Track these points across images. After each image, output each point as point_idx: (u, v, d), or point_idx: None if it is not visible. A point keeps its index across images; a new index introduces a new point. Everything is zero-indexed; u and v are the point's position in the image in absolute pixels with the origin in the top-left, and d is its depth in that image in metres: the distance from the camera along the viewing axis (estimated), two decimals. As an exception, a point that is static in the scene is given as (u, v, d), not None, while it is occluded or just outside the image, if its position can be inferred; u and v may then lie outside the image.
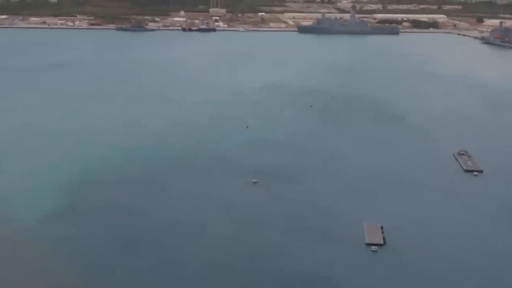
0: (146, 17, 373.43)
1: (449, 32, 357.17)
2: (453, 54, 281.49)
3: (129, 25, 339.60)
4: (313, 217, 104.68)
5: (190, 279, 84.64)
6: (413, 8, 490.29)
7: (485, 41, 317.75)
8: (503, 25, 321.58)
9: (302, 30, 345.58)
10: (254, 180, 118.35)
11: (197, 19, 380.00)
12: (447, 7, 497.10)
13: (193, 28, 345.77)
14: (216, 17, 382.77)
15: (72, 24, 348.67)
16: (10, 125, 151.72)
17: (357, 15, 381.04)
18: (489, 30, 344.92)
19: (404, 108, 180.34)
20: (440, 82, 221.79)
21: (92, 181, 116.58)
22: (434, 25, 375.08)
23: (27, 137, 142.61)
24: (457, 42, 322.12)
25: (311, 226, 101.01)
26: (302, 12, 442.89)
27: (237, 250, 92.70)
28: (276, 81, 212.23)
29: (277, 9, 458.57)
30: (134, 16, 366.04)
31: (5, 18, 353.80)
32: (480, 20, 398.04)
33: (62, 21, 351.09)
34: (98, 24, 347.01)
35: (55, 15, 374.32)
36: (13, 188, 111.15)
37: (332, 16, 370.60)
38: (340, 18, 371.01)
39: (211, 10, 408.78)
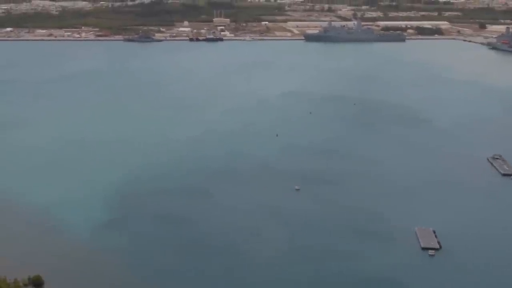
0: (151, 27, 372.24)
1: (454, 38, 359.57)
2: (463, 60, 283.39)
3: (136, 36, 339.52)
4: (363, 222, 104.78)
5: (260, 282, 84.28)
6: (413, 15, 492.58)
7: (492, 46, 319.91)
8: (510, 30, 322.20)
9: (309, 38, 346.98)
10: (296, 187, 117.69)
11: (202, 29, 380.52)
12: (446, 13, 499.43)
13: (200, 38, 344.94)
14: (221, 27, 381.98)
15: (78, 35, 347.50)
16: (47, 136, 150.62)
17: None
18: (494, 36, 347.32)
19: (428, 113, 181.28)
20: (456, 87, 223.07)
21: (140, 190, 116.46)
22: (438, 31, 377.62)
23: (66, 148, 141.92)
24: (464, 48, 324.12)
25: (363, 231, 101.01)
26: (304, 20, 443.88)
27: (296, 254, 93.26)
28: (295, 89, 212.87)
29: (279, 18, 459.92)
30: (141, 27, 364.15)
31: (11, 31, 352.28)
32: (482, 26, 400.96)
33: (69, 33, 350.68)
34: (105, 36, 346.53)
35: (60, 27, 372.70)
36: (62, 199, 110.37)
37: (338, 24, 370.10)
38: (344, 26, 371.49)
39: (215, 20, 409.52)
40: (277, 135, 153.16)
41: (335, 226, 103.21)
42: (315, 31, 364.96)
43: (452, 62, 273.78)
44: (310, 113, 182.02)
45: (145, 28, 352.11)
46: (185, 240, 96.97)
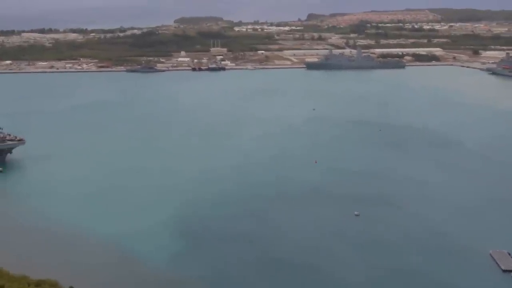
0: (150, 58, 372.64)
1: (452, 64, 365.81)
2: (467, 85, 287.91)
3: (139, 66, 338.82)
4: (434, 244, 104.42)
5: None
6: (404, 42, 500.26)
7: (492, 72, 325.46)
8: (510, 56, 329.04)
9: (310, 66, 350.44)
10: (356, 212, 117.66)
11: (200, 59, 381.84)
12: (435, 40, 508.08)
13: (202, 67, 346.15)
14: (220, 56, 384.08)
15: (79, 67, 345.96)
16: (93, 166, 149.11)
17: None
18: (491, 61, 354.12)
19: (454, 136, 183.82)
20: (470, 111, 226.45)
21: (202, 217, 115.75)
22: (435, 58, 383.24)
23: (116, 177, 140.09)
24: (464, 74, 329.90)
25: (436, 253, 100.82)
26: (299, 49, 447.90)
27: (375, 272, 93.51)
28: (315, 115, 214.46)
29: (273, 47, 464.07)
30: (140, 57, 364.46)
31: (11, 63, 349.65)
32: (476, 53, 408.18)
33: (70, 65, 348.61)
34: (107, 67, 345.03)
35: (59, 59, 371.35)
36: (129, 229, 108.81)
37: (337, 52, 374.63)
38: (342, 53, 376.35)
39: (212, 49, 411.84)
40: (316, 162, 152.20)
41: (406, 248, 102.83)
42: (314, 59, 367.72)
43: (458, 87, 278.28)
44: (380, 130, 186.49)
45: (147, 59, 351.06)
46: (262, 261, 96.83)
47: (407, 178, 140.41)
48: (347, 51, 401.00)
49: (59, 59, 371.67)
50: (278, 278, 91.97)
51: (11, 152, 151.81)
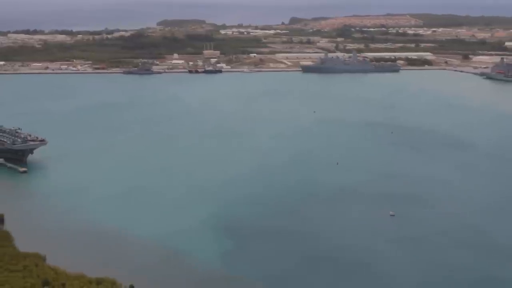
0: (143, 60, 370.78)
1: (444, 69, 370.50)
2: (465, 89, 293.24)
3: (135, 68, 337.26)
4: (471, 240, 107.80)
5: None
6: (391, 46, 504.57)
7: (487, 76, 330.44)
8: (504, 61, 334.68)
9: (306, 69, 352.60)
10: (391, 213, 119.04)
11: (194, 61, 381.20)
12: (422, 45, 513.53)
13: (199, 70, 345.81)
14: (214, 59, 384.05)
15: (74, 68, 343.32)
16: (121, 167, 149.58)
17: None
18: (483, 66, 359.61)
19: (464, 137, 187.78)
20: (474, 114, 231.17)
21: (240, 216, 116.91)
22: (428, 62, 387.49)
23: (138, 175, 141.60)
24: (459, 78, 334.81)
25: (476, 248, 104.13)
26: (289, 52, 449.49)
27: (422, 269, 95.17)
28: (325, 116, 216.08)
29: (264, 50, 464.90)
30: (132, 59, 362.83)
31: (4, 64, 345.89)
32: (466, 57, 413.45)
33: (65, 66, 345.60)
34: (103, 68, 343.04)
35: (51, 60, 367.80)
36: (172, 229, 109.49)
37: (333, 56, 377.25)
38: (338, 57, 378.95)
39: (205, 52, 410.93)
40: (337, 163, 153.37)
41: (445, 244, 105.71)
42: (309, 63, 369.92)
43: (457, 91, 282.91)
44: (392, 132, 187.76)
45: (143, 61, 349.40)
46: (306, 257, 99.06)
47: (430, 178, 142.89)
48: (340, 55, 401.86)
49: (52, 61, 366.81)
50: (324, 272, 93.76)
51: (32, 153, 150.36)
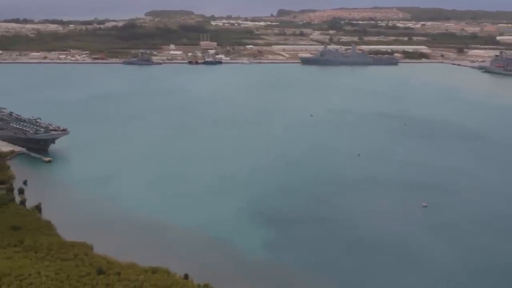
0: (141, 51, 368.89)
1: (442, 62, 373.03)
2: (466, 82, 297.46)
3: (135, 59, 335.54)
4: (505, 227, 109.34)
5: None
6: (384, 39, 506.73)
7: (485, 70, 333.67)
8: (503, 55, 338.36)
9: (305, 61, 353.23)
10: (424, 204, 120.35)
11: (191, 52, 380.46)
12: (415, 38, 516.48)
13: (199, 61, 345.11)
14: (212, 50, 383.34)
15: (73, 58, 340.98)
16: (138, 153, 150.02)
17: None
18: (480, 60, 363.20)
19: (475, 128, 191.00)
20: (478, 106, 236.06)
21: (275, 206, 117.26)
22: (425, 55, 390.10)
23: (166, 163, 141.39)
24: (458, 71, 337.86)
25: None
26: (285, 44, 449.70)
27: (459, 254, 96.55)
28: (334, 107, 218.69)
29: (259, 41, 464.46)
30: (134, 50, 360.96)
31: (1, 53, 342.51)
32: (460, 51, 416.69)
33: (63, 56, 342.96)
34: (102, 58, 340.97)
35: (48, 50, 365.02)
36: (211, 218, 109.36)
37: (333, 48, 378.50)
38: (337, 49, 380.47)
39: (202, 43, 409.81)
40: (359, 155, 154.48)
41: (480, 231, 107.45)
42: (308, 55, 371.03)
43: (459, 84, 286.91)
44: (405, 125, 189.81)
45: (143, 51, 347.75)
46: (351, 244, 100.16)
47: (452, 168, 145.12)
48: (337, 47, 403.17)
49: (48, 50, 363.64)
50: (365, 258, 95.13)
51: (54, 142, 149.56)
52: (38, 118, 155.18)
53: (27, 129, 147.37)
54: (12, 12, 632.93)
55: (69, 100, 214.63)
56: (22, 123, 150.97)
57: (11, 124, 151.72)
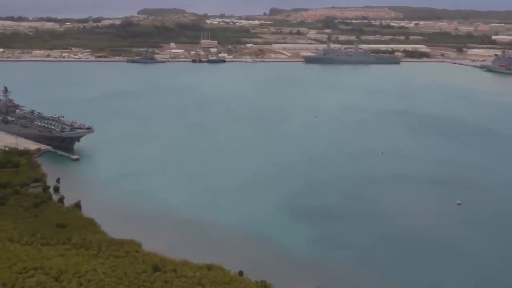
0: (141, 49, 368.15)
1: (443, 61, 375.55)
2: (471, 81, 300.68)
3: (138, 57, 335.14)
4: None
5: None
6: (381, 38, 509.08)
7: (487, 69, 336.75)
8: (506, 55, 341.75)
9: (308, 60, 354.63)
10: (458, 201, 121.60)
11: (192, 50, 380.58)
12: (411, 37, 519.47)
13: (202, 59, 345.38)
14: (213, 49, 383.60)
15: (75, 56, 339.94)
16: (162, 150, 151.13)
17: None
18: (480, 59, 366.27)
19: (489, 126, 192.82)
20: (487, 105, 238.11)
21: (312, 203, 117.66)
22: (425, 54, 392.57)
23: (192, 160, 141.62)
24: (461, 70, 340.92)
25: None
26: (285, 43, 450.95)
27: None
28: (346, 105, 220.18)
29: (258, 40, 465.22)
30: (144, 49, 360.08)
31: (3, 51, 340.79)
32: (459, 50, 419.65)
33: (66, 54, 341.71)
34: (105, 57, 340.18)
35: (49, 48, 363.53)
36: (250, 214, 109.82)
37: (336, 47, 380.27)
38: (340, 48, 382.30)
39: (202, 41, 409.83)
40: (382, 153, 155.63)
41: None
42: (309, 53, 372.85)
43: (464, 83, 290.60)
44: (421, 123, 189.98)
45: (147, 49, 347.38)
46: (390, 238, 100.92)
47: (477, 166, 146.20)
48: (337, 46, 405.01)
49: (49, 48, 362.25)
50: (405, 252, 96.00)
51: (79, 140, 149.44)
52: (61, 116, 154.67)
53: (53, 127, 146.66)
54: (5, 10, 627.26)
55: (81, 98, 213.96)
56: (46, 121, 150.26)
57: (36, 122, 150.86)
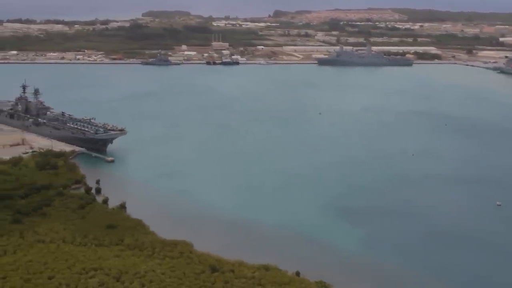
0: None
1: (455, 63, 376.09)
2: (486, 83, 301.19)
3: (153, 59, 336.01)
4: None
5: None
6: (389, 40, 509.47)
7: (500, 70, 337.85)
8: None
9: (322, 62, 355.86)
10: (498, 203, 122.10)
11: (203, 53, 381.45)
12: (419, 39, 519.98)
13: (216, 61, 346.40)
14: (225, 51, 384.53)
15: (90, 58, 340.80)
16: (196, 150, 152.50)
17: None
18: (492, 61, 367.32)
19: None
20: (504, 106, 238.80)
21: (359, 203, 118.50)
22: (437, 56, 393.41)
23: (225, 160, 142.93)
24: (473, 72, 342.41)
25: None
26: (293, 45, 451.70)
27: None
28: (367, 105, 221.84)
29: (267, 42, 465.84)
30: (159, 51, 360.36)
31: (17, 54, 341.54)
32: (469, 52, 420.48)
33: (80, 56, 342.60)
34: (120, 59, 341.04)
35: (63, 50, 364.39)
36: (296, 215, 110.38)
37: (349, 49, 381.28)
38: (351, 50, 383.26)
39: (214, 44, 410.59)
40: (413, 155, 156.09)
41: None
42: (322, 55, 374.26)
43: (479, 85, 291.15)
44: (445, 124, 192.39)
45: (161, 51, 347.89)
46: (439, 237, 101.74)
47: (509, 166, 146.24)
48: (349, 48, 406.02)
49: (62, 51, 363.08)
50: (453, 250, 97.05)
51: (112, 142, 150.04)
52: (93, 118, 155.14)
53: (86, 129, 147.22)
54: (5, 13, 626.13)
55: (101, 100, 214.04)
56: (80, 123, 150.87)
57: (68, 124, 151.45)
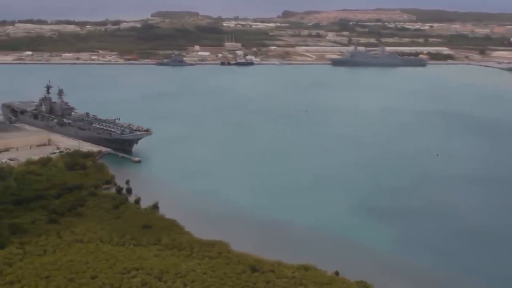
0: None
1: (468, 64, 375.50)
2: (499, 83, 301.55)
3: (168, 60, 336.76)
4: None
5: None
6: (400, 41, 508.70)
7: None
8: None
9: (336, 63, 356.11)
10: None
11: (216, 53, 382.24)
12: (430, 40, 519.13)
13: (231, 62, 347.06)
14: (240, 51, 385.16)
15: (104, 59, 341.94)
16: (220, 150, 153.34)
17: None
18: (506, 61, 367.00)
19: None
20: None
21: (386, 204, 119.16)
22: (450, 57, 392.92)
23: (251, 159, 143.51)
24: (488, 73, 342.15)
25: None
26: (306, 45, 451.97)
27: None
28: (384, 105, 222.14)
29: (279, 43, 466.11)
30: (173, 51, 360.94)
31: (32, 54, 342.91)
32: (482, 52, 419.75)
33: (95, 56, 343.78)
34: (134, 59, 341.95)
35: (77, 51, 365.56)
36: (328, 215, 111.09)
37: (362, 49, 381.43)
38: (367, 50, 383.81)
39: (226, 44, 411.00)
40: (437, 155, 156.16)
41: None
42: (335, 56, 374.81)
43: (495, 85, 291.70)
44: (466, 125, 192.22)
45: (175, 52, 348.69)
46: (472, 236, 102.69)
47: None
48: (362, 48, 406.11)
49: (76, 51, 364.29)
50: (485, 247, 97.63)
51: (137, 143, 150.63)
52: (117, 118, 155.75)
53: (112, 130, 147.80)
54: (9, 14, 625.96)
55: (120, 100, 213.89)
56: (106, 124, 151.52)
57: (94, 125, 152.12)
